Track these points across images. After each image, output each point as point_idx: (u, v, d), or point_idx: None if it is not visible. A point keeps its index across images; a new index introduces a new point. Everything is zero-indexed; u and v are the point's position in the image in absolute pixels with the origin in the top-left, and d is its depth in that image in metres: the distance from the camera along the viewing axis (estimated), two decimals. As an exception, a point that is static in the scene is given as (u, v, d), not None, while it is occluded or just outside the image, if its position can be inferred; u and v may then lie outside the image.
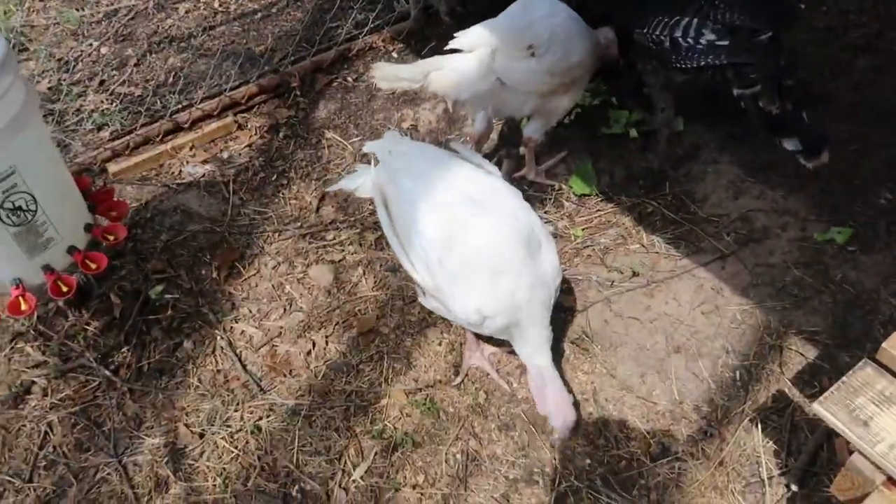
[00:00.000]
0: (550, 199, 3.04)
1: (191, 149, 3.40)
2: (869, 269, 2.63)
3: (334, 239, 2.98)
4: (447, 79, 2.70)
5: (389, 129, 3.41)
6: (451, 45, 2.73)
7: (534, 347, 2.19)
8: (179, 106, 3.48)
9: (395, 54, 3.78)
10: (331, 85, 3.68)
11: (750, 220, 2.84)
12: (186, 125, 3.43)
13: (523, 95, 2.76)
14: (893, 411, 1.69)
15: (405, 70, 2.73)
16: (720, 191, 2.97)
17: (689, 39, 2.56)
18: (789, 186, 2.93)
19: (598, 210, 2.98)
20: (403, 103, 3.54)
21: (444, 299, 2.19)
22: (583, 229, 2.90)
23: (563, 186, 3.07)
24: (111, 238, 2.49)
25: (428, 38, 3.83)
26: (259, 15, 4.07)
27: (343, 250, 2.94)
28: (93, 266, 2.40)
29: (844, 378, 1.76)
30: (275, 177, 3.27)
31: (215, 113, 3.50)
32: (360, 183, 2.46)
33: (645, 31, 2.66)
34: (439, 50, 3.69)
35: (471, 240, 2.13)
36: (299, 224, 3.05)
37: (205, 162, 3.39)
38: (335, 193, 3.16)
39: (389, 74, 2.73)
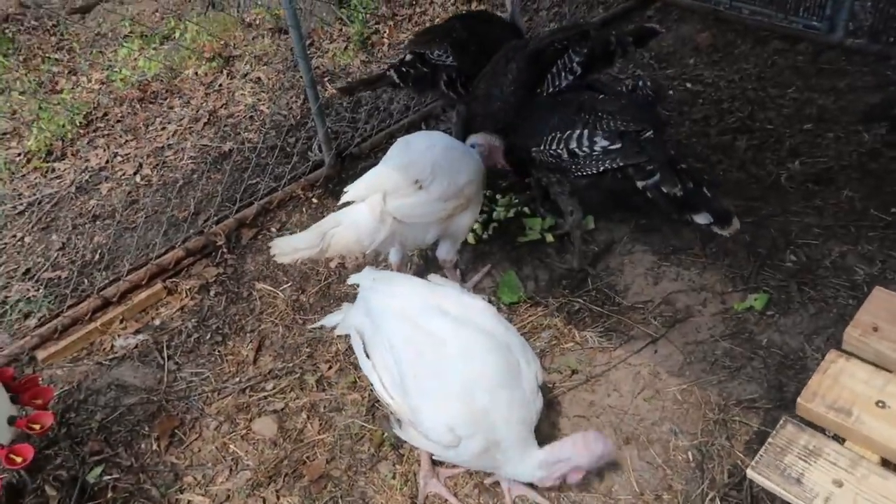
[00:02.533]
0: (482, 312, 3.06)
1: (121, 322, 3.33)
2: (791, 330, 2.71)
3: (275, 388, 2.90)
4: (346, 236, 2.72)
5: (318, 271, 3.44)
6: (343, 199, 2.80)
7: (521, 461, 2.12)
8: (107, 281, 3.44)
9: (314, 200, 3.87)
10: (256, 238, 3.71)
11: (672, 301, 2.92)
12: (115, 299, 3.38)
13: (424, 226, 2.83)
14: (821, 464, 1.68)
15: (302, 239, 2.73)
16: (639, 279, 3.06)
17: (585, 149, 2.73)
18: (701, 265, 3.05)
19: (530, 315, 3.01)
20: (329, 244, 3.60)
21: (417, 420, 2.13)
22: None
23: (493, 298, 3.11)
24: (37, 427, 2.36)
25: (345, 181, 3.95)
26: (181, 183, 4.15)
27: (285, 398, 2.86)
28: (19, 460, 2.25)
29: (770, 439, 1.76)
30: (209, 336, 3.22)
31: (143, 282, 3.47)
32: (339, 319, 2.53)
33: (542, 147, 2.83)
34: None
35: (445, 353, 2.12)
36: (238, 379, 2.97)
37: (137, 332, 3.31)
38: (270, 342, 3.12)
39: (286, 248, 2.74)
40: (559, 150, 2.78)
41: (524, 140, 2.91)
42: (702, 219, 2.71)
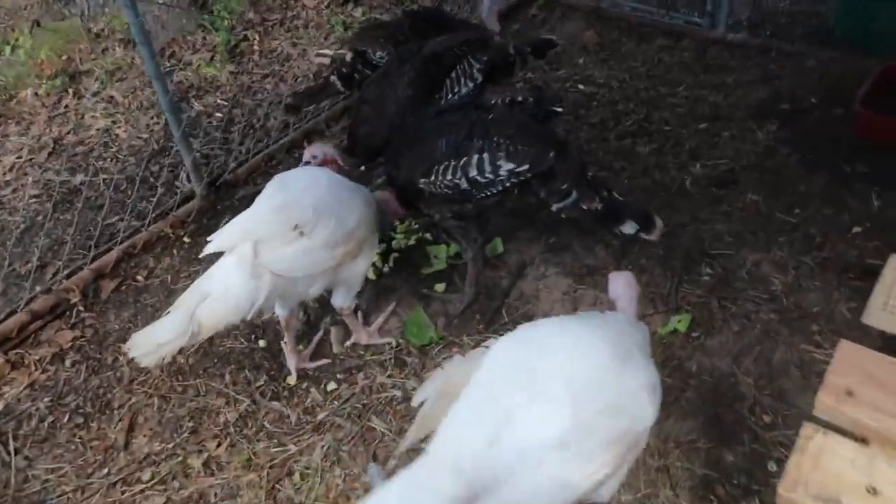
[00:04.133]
0: (390, 359, 2.70)
1: (-49, 412, 2.70)
2: (718, 352, 2.53)
3: (153, 478, 2.41)
4: (220, 309, 2.24)
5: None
6: (206, 249, 2.33)
7: None
8: (-71, 363, 2.79)
9: (187, 239, 3.34)
10: (119, 290, 3.15)
11: (593, 330, 2.67)
12: (-59, 384, 2.74)
13: (308, 278, 2.39)
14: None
15: (164, 329, 2.25)
16: (557, 305, 2.79)
17: (489, 174, 2.42)
18: (617, 285, 2.82)
19: (444, 357, 2.68)
20: (207, 291, 3.09)
21: None
22: (432, 385, 2.58)
23: (401, 341, 2.75)
24: None
25: (221, 213, 3.45)
26: (21, 227, 3.48)
27: (166, 489, 2.37)
28: None
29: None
30: (67, 417, 2.66)
31: (-21, 357, 2.84)
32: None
33: (433, 179, 2.49)
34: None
35: None
36: (106, 471, 2.45)
37: (-26, 421, 2.70)
38: (144, 418, 2.61)
39: (147, 345, 2.26)
40: (456, 180, 2.45)
41: (409, 173, 2.56)
42: (629, 228, 2.52)
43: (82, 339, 2.95)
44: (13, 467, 2.48)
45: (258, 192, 3.48)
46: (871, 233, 2.85)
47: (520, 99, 2.66)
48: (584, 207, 2.47)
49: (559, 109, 2.66)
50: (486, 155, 2.41)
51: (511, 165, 2.39)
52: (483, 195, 2.48)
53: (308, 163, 2.77)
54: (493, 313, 2.79)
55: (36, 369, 2.85)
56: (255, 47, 4.74)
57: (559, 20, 4.74)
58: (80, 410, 2.68)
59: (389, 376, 2.64)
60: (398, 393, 2.58)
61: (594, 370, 1.60)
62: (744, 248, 2.89)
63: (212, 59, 4.68)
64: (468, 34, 3.01)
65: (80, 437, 2.57)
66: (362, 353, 2.75)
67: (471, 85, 2.88)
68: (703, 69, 4.06)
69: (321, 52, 4.63)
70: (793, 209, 3.01)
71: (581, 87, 4.05)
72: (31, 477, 2.46)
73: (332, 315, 2.89)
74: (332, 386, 2.64)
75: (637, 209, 2.55)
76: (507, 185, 2.43)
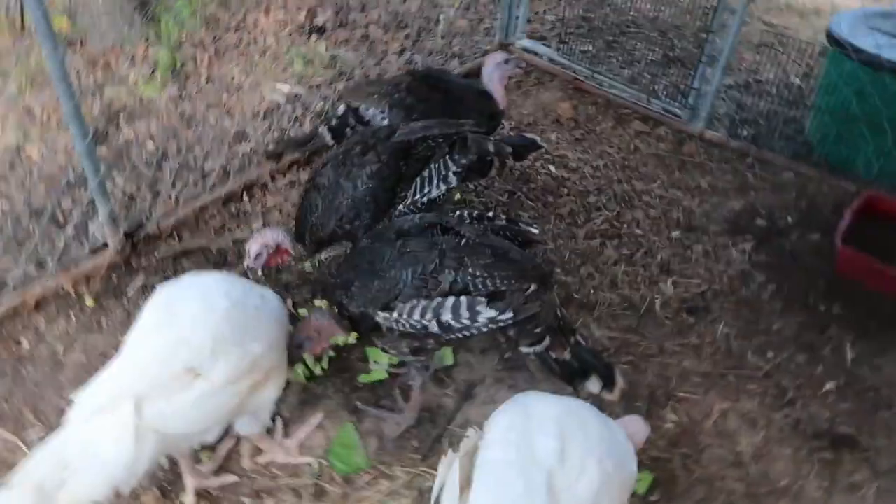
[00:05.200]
0: (309, 487, 2.31)
1: None
2: (679, 525, 2.25)
3: None
4: (83, 486, 1.76)
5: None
6: (71, 416, 1.83)
7: None
8: None
9: (89, 300, 2.85)
10: (-3, 356, 2.65)
11: (545, 478, 2.35)
12: None
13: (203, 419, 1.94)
14: None
15: None
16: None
17: (465, 321, 2.08)
18: (576, 422, 2.51)
19: (376, 490, 2.30)
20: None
21: None
22: (355, 529, 2.21)
23: (324, 463, 2.37)
24: None
25: (135, 271, 2.99)
26: None
27: None
28: None
29: None
30: None
31: None
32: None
33: (395, 316, 2.13)
34: (150, 285, 2.90)
35: None
36: None
37: None
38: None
39: None
40: (425, 322, 2.10)
41: (364, 304, 2.21)
42: (593, 386, 2.26)
43: (-59, 417, 2.45)
44: None
45: (183, 253, 3.09)
46: (844, 391, 2.64)
47: (490, 215, 2.34)
48: (555, 356, 2.18)
49: (535, 231, 2.33)
50: (464, 299, 2.07)
51: (492, 313, 2.06)
52: (452, 337, 2.14)
53: (260, 254, 2.38)
54: (432, 442, 2.43)
55: None
56: (203, 71, 4.28)
57: (534, 86, 4.46)
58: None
59: (304, 510, 2.26)
60: (311, 534, 2.20)
61: (602, 429, 1.83)
62: (711, 391, 2.64)
63: (152, 75, 4.19)
64: (447, 125, 2.66)
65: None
66: (277, 472, 2.35)
67: (443, 188, 2.55)
68: (679, 165, 3.84)
69: (276, 86, 4.20)
70: (766, 352, 2.78)
71: (552, 168, 3.77)
72: None
73: (247, 422, 2.48)
74: (235, 514, 2.24)
75: (602, 365, 2.28)
76: (484, 330, 2.10)
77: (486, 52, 4.68)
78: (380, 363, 2.64)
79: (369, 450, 2.41)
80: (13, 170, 3.44)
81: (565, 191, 3.61)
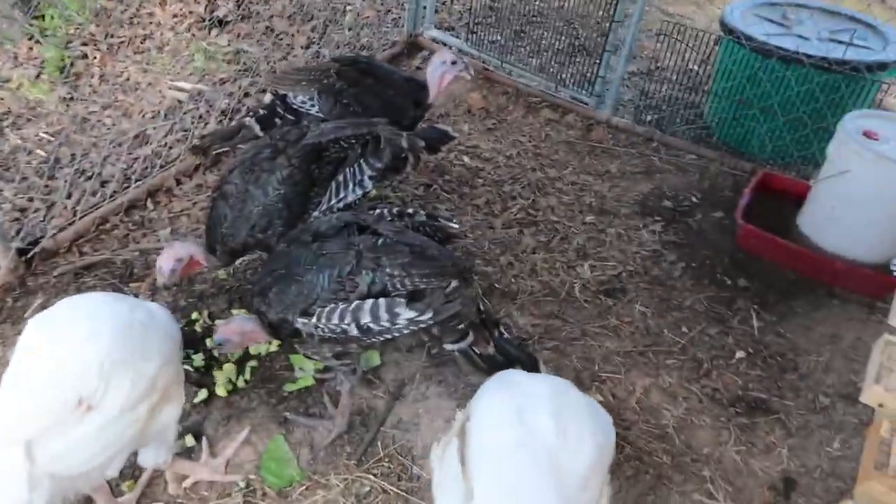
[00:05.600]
0: (240, 504, 2.23)
1: None
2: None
3: None
4: None
5: None
6: None
7: None
8: None
9: (-18, 327, 2.64)
10: None
11: (479, 471, 2.36)
12: None
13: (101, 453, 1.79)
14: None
15: None
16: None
17: (385, 323, 2.03)
18: (506, 412, 2.53)
19: (312, 502, 2.24)
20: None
21: None
22: (291, 541, 2.15)
23: (253, 479, 2.28)
24: None
25: (33, 292, 2.77)
26: None
27: None
28: None
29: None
30: None
31: None
32: None
33: (314, 321, 2.06)
34: (50, 306, 2.69)
35: None
36: None
37: None
38: None
39: None
40: (344, 325, 2.05)
41: (282, 311, 2.13)
42: None
43: None
44: None
45: (84, 268, 2.90)
46: (754, 359, 2.79)
47: (409, 212, 2.31)
48: (479, 352, 2.18)
49: (455, 227, 2.32)
50: (383, 301, 2.03)
51: (412, 314, 2.03)
52: (373, 340, 2.09)
53: (174, 269, 2.24)
54: (366, 445, 2.40)
55: None
56: (96, 69, 4.01)
57: (445, 77, 4.44)
58: None
59: (236, 528, 2.18)
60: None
61: (586, 402, 1.82)
62: (633, 370, 2.73)
63: (38, 76, 3.89)
64: (359, 125, 2.60)
65: None
66: (206, 494, 2.25)
67: (359, 192, 2.50)
68: (589, 151, 3.94)
69: (176, 83, 3.99)
70: (680, 327, 2.90)
71: (466, 159, 3.78)
72: None
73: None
74: (163, 542, 2.13)
75: (525, 355, 2.29)
76: (405, 332, 2.06)
77: (394, 44, 4.64)
78: (305, 369, 2.57)
79: (302, 460, 2.35)
80: None
81: (480, 181, 3.63)
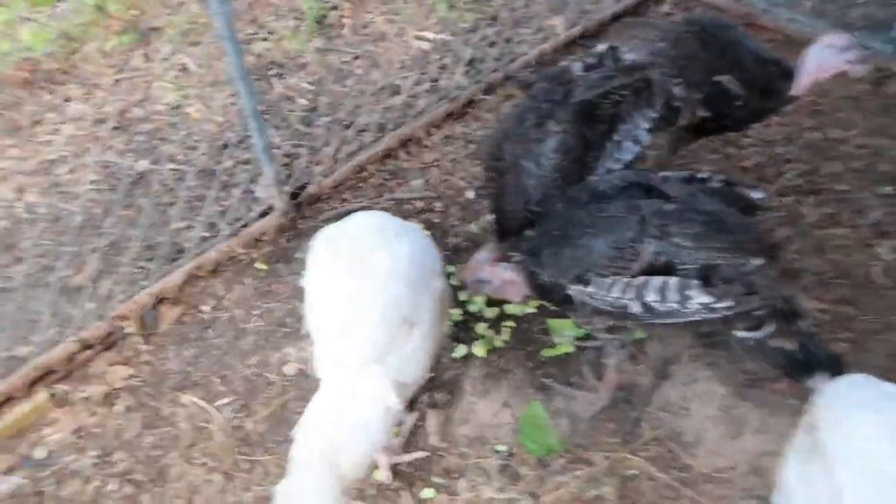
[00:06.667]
0: (501, 466, 2.17)
1: (-17, 458, 2.28)
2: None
3: None
4: (360, 451, 1.78)
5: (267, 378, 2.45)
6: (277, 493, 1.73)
7: None
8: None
9: (261, 265, 2.80)
10: (181, 320, 2.65)
11: (762, 471, 2.08)
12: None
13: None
14: None
15: None
16: (711, 426, 2.21)
17: (672, 304, 1.80)
18: (789, 410, 2.20)
19: (573, 476, 2.13)
20: (283, 338, 2.58)
21: None
22: (555, 515, 2.06)
23: (514, 450, 2.21)
24: None
25: (302, 232, 2.90)
26: (79, 220, 2.96)
27: None
28: None
29: None
30: (116, 485, 2.21)
31: (21, 392, 2.40)
32: None
33: (588, 289, 1.88)
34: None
35: None
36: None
37: (9, 470, 2.27)
38: (205, 500, 2.14)
39: None
40: (626, 301, 1.84)
41: (555, 274, 1.96)
42: (819, 384, 1.89)
43: (137, 379, 2.49)
44: (49, 547, 2.06)
45: (346, 214, 2.97)
46: None
47: (702, 176, 2.02)
48: (773, 346, 1.85)
49: (761, 195, 1.99)
50: (673, 280, 1.80)
51: (706, 299, 1.77)
52: (656, 322, 1.87)
53: (491, 282, 2.13)
54: (632, 425, 2.23)
55: (84, 410, 2.41)
56: (345, 20, 4.09)
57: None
58: (130, 477, 2.23)
59: (500, 490, 2.12)
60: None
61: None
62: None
63: (297, 28, 4.05)
64: (629, 70, 2.30)
65: (131, 516, 2.13)
66: (465, 450, 2.23)
67: (637, 149, 2.24)
68: (882, 109, 3.30)
69: (420, 34, 3.96)
70: None
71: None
72: (68, 565, 2.03)
73: (431, 393, 2.36)
74: (427, 493, 2.14)
75: (830, 359, 1.91)
76: (697, 318, 1.82)
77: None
78: (563, 335, 2.44)
79: (560, 431, 2.24)
80: (176, 129, 3.42)
81: (748, 140, 3.19)
